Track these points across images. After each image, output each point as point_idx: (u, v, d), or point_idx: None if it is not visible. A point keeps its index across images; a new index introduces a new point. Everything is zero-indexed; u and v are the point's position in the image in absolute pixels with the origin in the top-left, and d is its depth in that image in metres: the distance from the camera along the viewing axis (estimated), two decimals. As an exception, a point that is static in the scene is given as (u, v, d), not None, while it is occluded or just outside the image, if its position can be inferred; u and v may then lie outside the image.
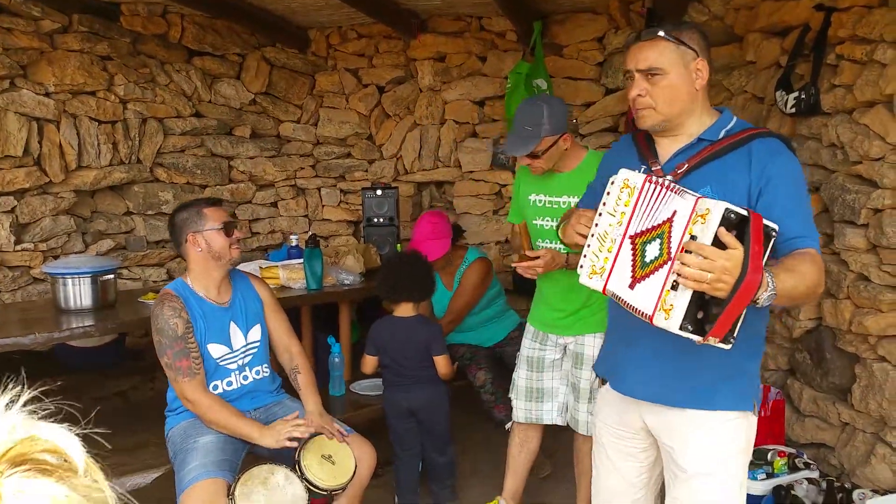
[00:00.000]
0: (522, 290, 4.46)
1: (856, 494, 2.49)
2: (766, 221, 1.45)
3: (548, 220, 2.58)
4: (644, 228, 1.54)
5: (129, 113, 4.26)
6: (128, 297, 3.31)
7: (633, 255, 1.55)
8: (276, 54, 4.81)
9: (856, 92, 2.62)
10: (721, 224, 1.40)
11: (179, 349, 2.35)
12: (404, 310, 2.91)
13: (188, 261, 2.49)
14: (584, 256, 1.61)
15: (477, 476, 3.31)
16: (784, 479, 2.65)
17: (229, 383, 2.50)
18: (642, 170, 1.68)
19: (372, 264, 3.80)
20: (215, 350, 2.46)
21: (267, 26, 4.56)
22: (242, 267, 3.28)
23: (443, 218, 3.55)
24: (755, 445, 2.87)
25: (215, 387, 2.46)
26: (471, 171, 4.86)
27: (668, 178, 1.59)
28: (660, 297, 1.46)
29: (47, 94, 3.92)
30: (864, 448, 2.65)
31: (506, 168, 4.79)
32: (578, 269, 1.61)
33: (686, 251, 1.41)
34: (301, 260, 3.45)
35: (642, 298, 1.51)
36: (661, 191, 1.53)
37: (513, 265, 2.36)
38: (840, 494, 2.50)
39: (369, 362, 2.93)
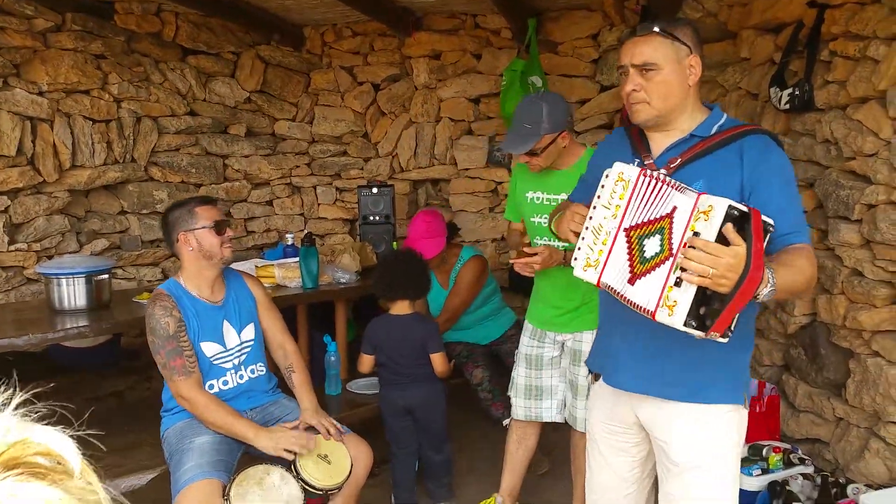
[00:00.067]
0: (518, 287, 4.47)
1: (850, 489, 2.50)
2: (764, 217, 1.46)
3: (545, 218, 2.58)
4: (640, 222, 1.54)
5: (123, 112, 4.25)
6: (122, 296, 3.31)
7: (630, 249, 1.55)
8: (270, 52, 4.80)
9: (849, 88, 2.63)
10: (724, 220, 1.41)
11: (172, 348, 2.35)
12: (400, 308, 2.91)
13: (181, 260, 2.49)
14: (579, 249, 1.61)
15: (474, 474, 3.31)
16: (779, 475, 2.66)
17: (225, 382, 2.50)
18: (635, 163, 1.69)
19: (368, 262, 3.80)
20: (209, 349, 2.46)
21: (262, 24, 4.55)
22: (238, 266, 3.28)
23: (437, 216, 3.55)
24: (751, 441, 2.92)
25: (211, 386, 2.46)
26: (466, 169, 4.86)
27: (662, 171, 1.60)
28: (662, 294, 1.47)
29: (41, 94, 3.90)
30: (858, 443, 2.66)
31: (501, 165, 4.79)
32: (573, 262, 1.62)
33: (690, 247, 1.42)
34: (297, 258, 3.45)
35: (643, 294, 1.52)
36: (657, 185, 1.53)
37: (511, 261, 2.36)
38: (834, 489, 2.51)
39: (366, 361, 2.93)
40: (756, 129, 1.73)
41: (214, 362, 2.48)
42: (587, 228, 1.60)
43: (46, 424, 0.58)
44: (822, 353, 2.85)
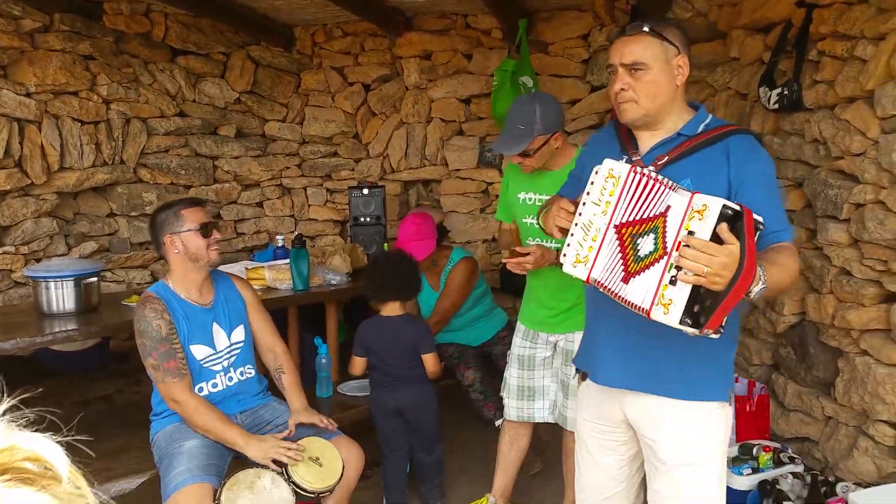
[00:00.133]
0: (509, 288, 4.47)
1: (839, 488, 2.51)
2: (754, 215, 1.48)
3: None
4: (631, 219, 1.55)
5: (112, 113, 4.22)
6: (111, 299, 3.29)
7: (623, 247, 1.56)
8: (260, 53, 4.78)
9: (837, 88, 2.64)
10: (719, 220, 1.43)
11: (165, 350, 2.34)
12: (391, 309, 2.90)
13: (168, 262, 2.48)
14: (568, 246, 1.62)
15: (466, 474, 3.31)
16: (769, 474, 2.67)
17: (214, 385, 2.49)
18: (624, 160, 1.70)
19: (359, 264, 3.79)
20: (199, 351, 2.45)
21: (251, 25, 4.54)
22: (228, 268, 3.27)
23: (427, 219, 3.55)
24: (741, 440, 2.93)
25: (200, 389, 2.45)
26: (457, 170, 4.86)
27: (650, 168, 1.60)
28: (657, 292, 1.48)
29: (28, 95, 3.87)
30: (847, 441, 2.68)
31: (492, 166, 4.79)
32: (562, 258, 1.62)
33: (685, 246, 1.44)
34: (287, 260, 3.44)
35: (638, 293, 1.53)
36: (648, 182, 1.54)
37: (503, 261, 2.36)
38: (824, 488, 2.52)
39: (358, 363, 2.92)
40: (741, 129, 1.76)
41: (204, 365, 2.46)
42: (576, 225, 1.60)
43: (35, 430, 0.58)
44: (811, 352, 2.86)
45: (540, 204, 2.58)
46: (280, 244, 4.02)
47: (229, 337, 2.54)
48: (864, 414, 2.59)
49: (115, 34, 4.19)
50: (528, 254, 2.32)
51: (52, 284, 2.91)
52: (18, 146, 3.83)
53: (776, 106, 2.93)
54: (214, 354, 2.49)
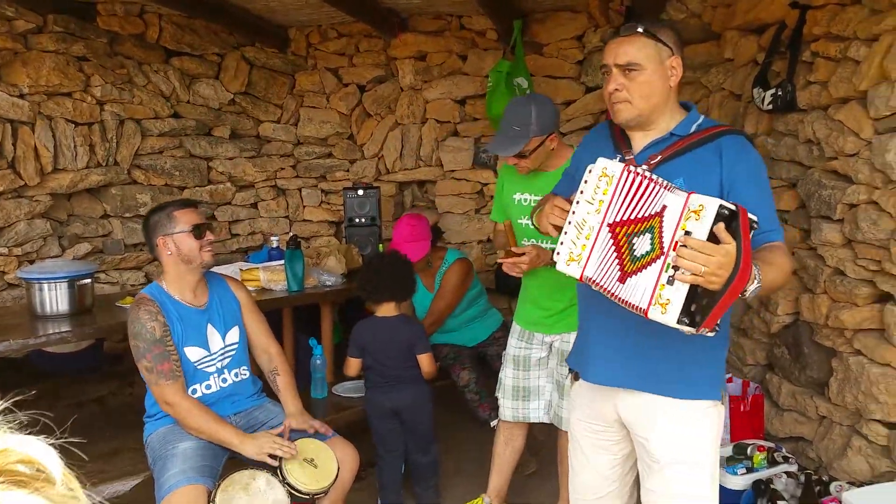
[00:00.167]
0: (504, 289, 4.48)
1: (833, 487, 2.52)
2: (749, 215, 1.49)
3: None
4: (625, 218, 1.56)
5: (106, 114, 4.21)
6: (105, 301, 3.27)
7: (618, 246, 1.56)
8: (255, 54, 4.78)
9: (830, 88, 2.65)
10: (716, 219, 1.44)
11: (159, 352, 2.33)
12: (386, 310, 2.90)
13: (162, 264, 2.47)
14: (562, 244, 1.62)
15: (461, 475, 3.31)
16: (764, 474, 2.68)
17: (208, 386, 2.48)
18: (617, 159, 1.70)
19: (354, 265, 3.79)
20: (193, 353, 2.44)
21: (246, 25, 4.53)
22: (222, 269, 3.26)
23: (421, 220, 3.56)
24: (735, 440, 2.93)
25: (194, 390, 2.44)
26: (452, 171, 4.86)
27: (643, 167, 1.61)
28: (654, 292, 1.49)
29: (21, 96, 3.86)
30: (840, 441, 2.68)
31: (487, 167, 4.79)
32: (555, 256, 1.63)
33: (682, 246, 1.45)
34: (282, 261, 3.43)
35: (635, 292, 1.54)
36: (642, 181, 1.55)
37: (499, 261, 2.36)
38: (818, 487, 2.52)
39: (353, 364, 2.91)
40: (732, 130, 1.78)
41: (198, 367, 2.46)
42: (570, 223, 1.61)
43: (28, 432, 0.58)
44: (805, 352, 2.87)
45: (535, 205, 2.58)
46: (275, 245, 4.02)
47: (224, 338, 2.54)
48: (857, 413, 2.59)
49: (109, 35, 4.18)
50: (524, 254, 2.33)
51: (45, 286, 2.90)
52: (11, 147, 3.82)
53: (770, 107, 2.94)
54: (209, 356, 2.49)
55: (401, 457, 2.98)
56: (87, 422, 3.11)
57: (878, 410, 2.47)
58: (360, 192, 4.39)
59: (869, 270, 2.52)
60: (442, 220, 4.92)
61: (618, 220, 1.56)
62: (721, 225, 1.43)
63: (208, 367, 2.49)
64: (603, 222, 1.57)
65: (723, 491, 2.60)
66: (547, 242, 2.42)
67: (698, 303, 1.47)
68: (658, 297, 1.49)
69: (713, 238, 1.44)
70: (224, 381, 2.52)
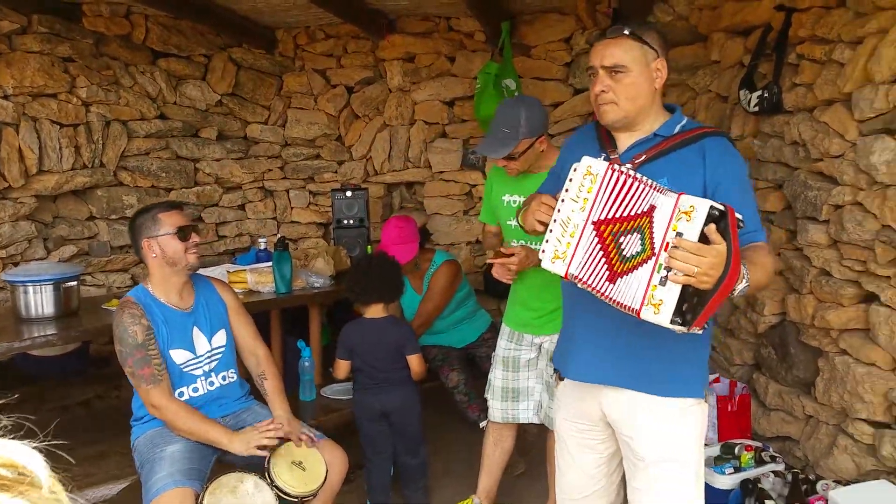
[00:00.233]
0: (493, 290, 4.48)
1: (819, 486, 2.53)
2: (736, 214, 1.51)
3: None
4: (611, 216, 1.56)
5: (91, 115, 4.18)
6: (91, 303, 3.25)
7: (605, 245, 1.57)
8: (242, 55, 4.76)
9: (816, 91, 2.67)
10: (707, 220, 1.46)
11: (140, 357, 2.31)
12: (375, 311, 2.90)
13: (148, 266, 2.46)
14: (547, 242, 1.63)
15: (450, 476, 3.31)
16: (751, 473, 2.69)
17: (195, 389, 2.47)
18: (602, 158, 1.72)
19: (342, 266, 3.78)
20: (178, 356, 2.43)
21: (233, 27, 4.51)
22: (209, 271, 3.24)
23: (409, 222, 3.55)
24: (723, 440, 2.94)
25: (181, 393, 2.43)
26: (441, 172, 4.87)
27: (628, 166, 1.62)
28: (646, 293, 1.51)
29: (6, 97, 3.83)
30: (827, 440, 2.70)
31: (476, 168, 4.80)
32: (540, 255, 1.64)
33: (673, 247, 1.47)
34: (270, 263, 3.42)
35: (626, 293, 1.55)
36: (627, 180, 1.56)
37: (488, 261, 2.36)
38: (805, 486, 2.54)
39: (342, 366, 2.90)
40: (715, 131, 1.80)
41: (185, 369, 2.44)
42: (555, 221, 1.62)
43: (13, 436, 0.57)
44: (792, 352, 2.89)
45: (521, 205, 2.59)
46: (262, 247, 4.00)
47: (210, 341, 2.52)
48: (843, 413, 2.61)
49: (94, 36, 4.15)
50: (513, 255, 2.33)
51: (30, 288, 2.87)
52: (-4, 149, 3.79)
53: (756, 108, 2.96)
54: (195, 359, 2.47)
55: (389, 459, 2.97)
56: (74, 425, 3.08)
57: (864, 409, 2.49)
58: (349, 193, 4.38)
59: (854, 271, 2.54)
60: (430, 221, 4.92)
61: (602, 218, 1.57)
62: (712, 226, 1.45)
63: (195, 370, 2.47)
64: (587, 220, 1.58)
65: (711, 490, 2.62)
66: (536, 244, 2.43)
67: (689, 302, 1.49)
68: (650, 297, 1.50)
69: (703, 238, 1.46)
70: (211, 384, 2.51)
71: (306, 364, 3.29)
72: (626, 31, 1.73)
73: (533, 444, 3.34)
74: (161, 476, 2.21)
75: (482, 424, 2.99)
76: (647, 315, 1.50)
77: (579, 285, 1.61)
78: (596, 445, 1.93)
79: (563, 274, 1.60)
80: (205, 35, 4.59)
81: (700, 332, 1.52)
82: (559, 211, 1.61)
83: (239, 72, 4.77)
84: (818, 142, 2.67)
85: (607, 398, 1.83)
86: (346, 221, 4.36)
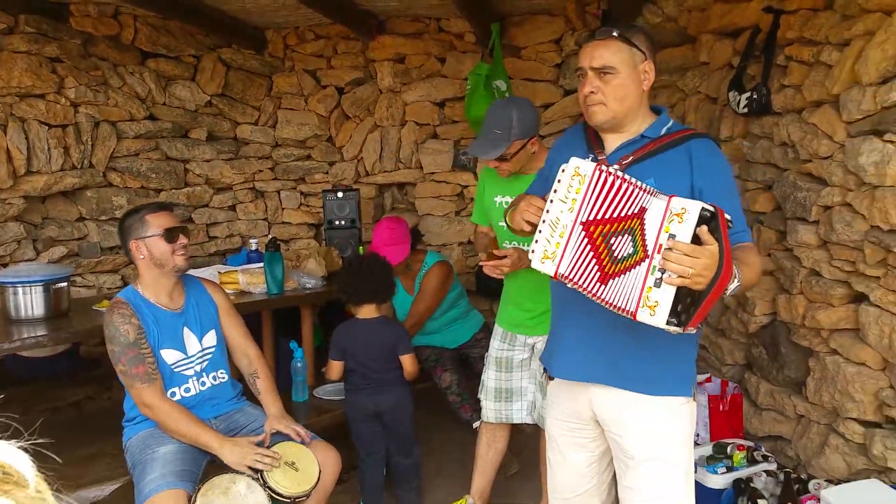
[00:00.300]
0: (485, 290, 4.49)
1: (811, 485, 2.55)
2: (725, 215, 1.53)
3: None
4: (600, 217, 1.57)
5: (80, 116, 4.16)
6: (81, 305, 3.23)
7: (594, 246, 1.57)
8: (232, 55, 4.74)
9: (804, 92, 2.69)
10: (698, 222, 1.48)
11: (133, 355, 2.31)
12: (367, 312, 2.90)
13: (137, 267, 2.45)
14: (536, 242, 1.64)
15: (443, 476, 3.31)
16: (743, 473, 2.70)
17: (187, 389, 2.46)
18: (590, 159, 1.73)
19: (334, 267, 3.77)
20: (169, 356, 2.42)
21: (222, 27, 4.49)
22: (200, 272, 3.24)
23: (401, 223, 3.56)
24: (715, 439, 2.96)
25: (173, 393, 2.42)
26: (432, 173, 4.87)
27: (615, 167, 1.64)
28: (641, 294, 1.52)
29: (-7, 98, 3.80)
30: (818, 439, 2.72)
31: (467, 169, 4.80)
32: (530, 255, 1.65)
33: (667, 249, 1.49)
34: (261, 264, 3.41)
35: (619, 294, 1.56)
36: (615, 181, 1.57)
37: (480, 263, 2.37)
38: (797, 485, 2.56)
39: (335, 367, 2.90)
40: (700, 133, 1.83)
41: (175, 370, 2.44)
42: (544, 221, 1.63)
43: (1, 437, 0.57)
44: (783, 351, 2.91)
45: (508, 205, 2.59)
46: (254, 248, 3.99)
47: (201, 341, 2.52)
48: (834, 412, 2.63)
49: (82, 36, 4.13)
50: (505, 256, 2.33)
51: (20, 290, 2.86)
52: (-17, 149, 3.76)
53: (745, 110, 2.98)
54: (186, 359, 2.47)
55: (382, 459, 2.97)
56: (65, 427, 3.07)
57: (855, 409, 2.51)
58: (340, 194, 4.38)
59: (844, 271, 2.56)
60: (422, 222, 4.92)
61: (591, 218, 1.58)
62: (704, 227, 1.48)
63: (186, 370, 2.46)
64: (576, 221, 1.59)
65: (703, 490, 2.64)
66: (528, 245, 2.43)
67: (683, 303, 1.51)
68: (646, 299, 1.52)
69: (695, 240, 1.48)
70: (203, 384, 2.51)
71: (298, 365, 3.28)
72: (615, 33, 1.75)
73: (526, 443, 3.34)
74: (153, 477, 2.20)
75: (475, 425, 2.99)
76: (643, 317, 1.52)
77: (569, 285, 1.61)
78: (587, 444, 1.95)
79: (552, 274, 1.61)
80: (194, 35, 4.57)
81: (694, 332, 1.54)
82: (548, 212, 1.62)
83: (228, 72, 4.76)
84: (807, 143, 2.69)
85: (597, 397, 1.84)
86: (337, 222, 4.36)
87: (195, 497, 2.18)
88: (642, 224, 1.55)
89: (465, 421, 3.29)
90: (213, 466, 2.39)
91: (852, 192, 2.47)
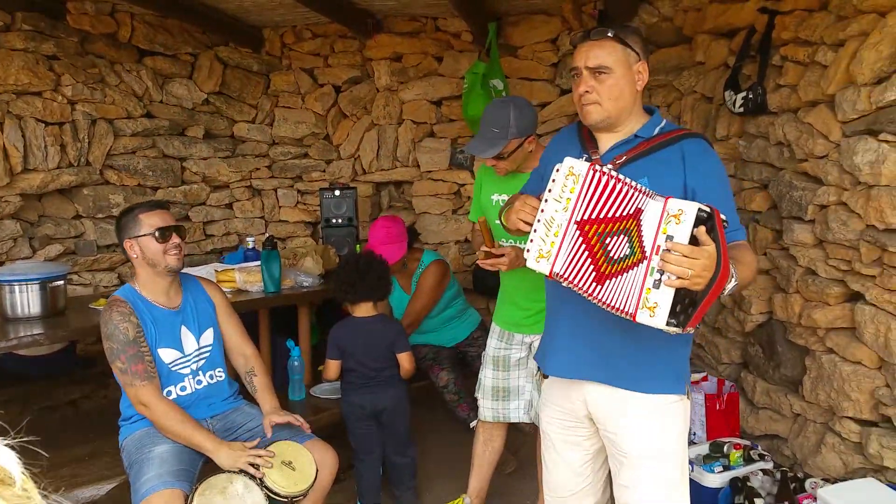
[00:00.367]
0: (482, 289, 4.50)
1: (808, 483, 2.56)
2: (720, 214, 1.53)
3: None
4: (594, 217, 1.57)
5: (77, 114, 4.15)
6: (78, 303, 3.23)
7: (589, 245, 1.58)
8: (229, 54, 4.74)
9: (800, 92, 2.70)
10: (696, 223, 1.49)
11: (133, 353, 2.30)
12: (364, 310, 2.90)
13: (134, 266, 2.45)
14: (531, 241, 1.65)
15: (440, 475, 3.31)
16: (740, 472, 2.71)
17: (183, 388, 2.46)
18: (584, 158, 1.74)
19: (331, 265, 3.77)
20: (167, 355, 2.42)
21: (219, 25, 4.49)
22: (196, 270, 3.23)
23: (397, 222, 3.56)
24: (711, 438, 2.97)
25: (169, 392, 2.41)
26: (429, 171, 4.87)
27: (609, 166, 1.64)
28: (640, 296, 1.53)
29: (-11, 95, 3.79)
30: (814, 438, 2.73)
31: (464, 168, 4.81)
32: (525, 254, 1.65)
33: (665, 251, 1.50)
34: (258, 262, 3.40)
35: (618, 295, 1.56)
36: (609, 181, 1.57)
37: (478, 262, 2.37)
38: (793, 484, 2.56)
39: (333, 367, 2.90)
40: (693, 133, 1.85)
41: (172, 368, 2.43)
42: (539, 221, 1.64)
43: None
44: (779, 350, 2.92)
45: (503, 204, 2.59)
46: (251, 246, 3.99)
47: (198, 340, 2.51)
48: (830, 411, 2.64)
49: (79, 34, 4.12)
50: (503, 255, 2.33)
51: (16, 288, 2.85)
52: (-20, 147, 3.75)
53: (741, 109, 2.99)
54: (183, 358, 2.46)
55: (379, 458, 2.97)
56: (61, 425, 3.06)
57: (851, 408, 2.52)
58: (337, 192, 4.37)
59: (840, 270, 2.57)
60: (419, 220, 4.92)
61: (585, 218, 1.58)
62: (702, 228, 1.48)
63: (182, 368, 2.46)
64: (570, 220, 1.60)
65: (701, 489, 2.65)
66: (524, 243, 2.43)
67: (682, 304, 1.52)
68: (645, 300, 1.53)
69: (693, 240, 1.49)
70: (199, 382, 2.50)
71: (295, 363, 3.28)
72: (610, 34, 1.76)
73: (523, 442, 3.35)
74: (150, 477, 2.20)
75: (472, 424, 2.99)
76: (643, 318, 1.53)
77: (564, 284, 1.62)
78: (582, 442, 1.95)
79: (547, 273, 1.62)
80: (191, 33, 4.57)
81: (693, 331, 1.55)
82: (542, 211, 1.63)
83: (226, 70, 4.75)
84: (803, 142, 2.70)
85: (591, 395, 1.85)
86: (334, 220, 4.36)
87: (192, 496, 2.18)
88: (639, 225, 1.56)
89: (462, 420, 3.30)
90: (210, 466, 2.39)
91: (848, 191, 2.48)
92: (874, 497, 2.28)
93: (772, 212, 2.98)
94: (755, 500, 2.54)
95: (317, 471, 2.38)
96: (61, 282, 2.99)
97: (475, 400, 2.82)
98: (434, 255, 3.68)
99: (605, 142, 1.84)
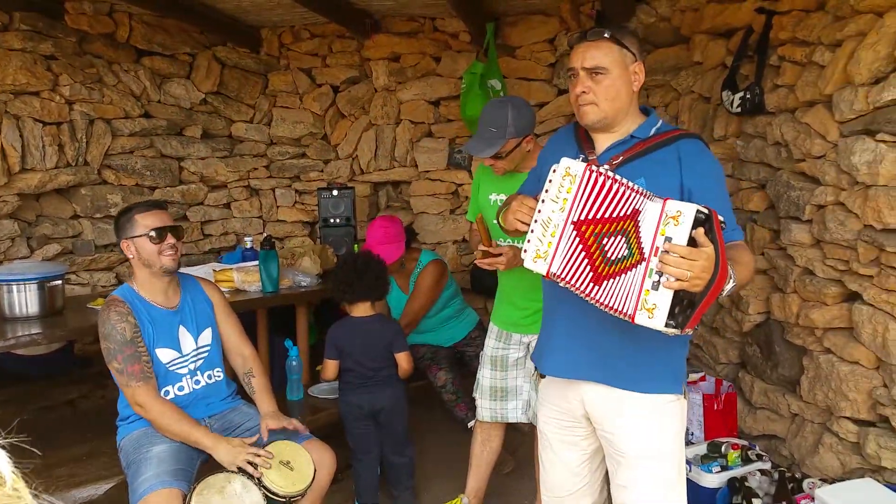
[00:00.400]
0: (479, 288, 4.50)
1: (805, 484, 2.56)
2: (718, 215, 1.53)
3: None
4: (591, 217, 1.58)
5: (75, 114, 4.15)
6: (76, 302, 3.23)
7: (586, 246, 1.58)
8: (227, 54, 4.73)
9: (797, 92, 2.71)
10: (694, 224, 1.49)
11: (130, 353, 2.30)
12: (362, 310, 2.90)
13: (132, 266, 2.45)
14: (528, 241, 1.65)
15: (438, 475, 3.31)
16: (738, 472, 2.71)
17: (181, 388, 2.46)
18: (580, 159, 1.74)
19: (329, 265, 3.77)
20: (164, 355, 2.42)
21: (217, 25, 4.49)
22: (194, 270, 3.23)
23: (395, 222, 3.56)
24: (709, 438, 2.97)
25: (167, 392, 2.41)
26: (427, 171, 4.87)
27: (605, 167, 1.65)
28: (639, 297, 1.53)
29: (-13, 95, 3.79)
30: (812, 438, 2.74)
31: (462, 167, 4.81)
32: (522, 254, 1.66)
33: (664, 252, 1.50)
34: (256, 262, 3.40)
35: (616, 296, 1.57)
36: (605, 182, 1.57)
37: (476, 262, 2.37)
38: (791, 484, 2.57)
39: (331, 367, 2.90)
40: (689, 133, 1.85)
41: (170, 368, 2.43)
42: (536, 221, 1.64)
43: None
44: (777, 350, 2.92)
45: (500, 205, 2.59)
46: (248, 246, 3.99)
47: (196, 340, 2.51)
48: (828, 411, 2.65)
49: (77, 34, 4.12)
50: (501, 254, 2.34)
51: (14, 287, 2.85)
52: (-23, 147, 3.75)
53: (739, 109, 2.99)
54: (180, 358, 2.46)
55: (377, 458, 2.97)
56: (59, 425, 3.06)
57: (848, 408, 2.52)
58: (335, 192, 4.37)
59: (837, 270, 2.58)
60: (417, 220, 4.92)
61: (582, 218, 1.59)
62: (700, 229, 1.49)
63: (180, 368, 2.46)
64: (567, 220, 1.60)
65: (698, 489, 2.65)
66: (522, 243, 2.44)
67: (681, 305, 1.52)
68: (644, 302, 1.53)
69: (691, 242, 1.49)
70: (197, 382, 2.50)
71: (293, 363, 3.28)
72: (606, 35, 1.77)
73: (521, 442, 3.35)
74: (148, 476, 2.20)
75: (470, 424, 2.99)
76: (642, 319, 1.53)
77: (561, 284, 1.62)
78: (579, 442, 1.95)
79: (544, 273, 1.62)
80: (189, 33, 4.56)
81: (691, 333, 1.55)
82: (539, 211, 1.63)
83: (224, 70, 4.75)
84: (800, 142, 2.70)
85: (588, 395, 1.85)
86: (332, 220, 4.36)
87: (190, 496, 2.18)
88: (636, 226, 1.56)
89: (460, 420, 3.30)
90: (208, 465, 2.39)
91: (845, 191, 2.48)
92: (872, 497, 2.29)
93: (769, 212, 2.98)
94: (753, 500, 2.54)
95: (315, 471, 2.38)
96: (59, 281, 2.99)
97: (473, 400, 2.82)
98: (432, 254, 3.69)
99: (602, 142, 1.84)
